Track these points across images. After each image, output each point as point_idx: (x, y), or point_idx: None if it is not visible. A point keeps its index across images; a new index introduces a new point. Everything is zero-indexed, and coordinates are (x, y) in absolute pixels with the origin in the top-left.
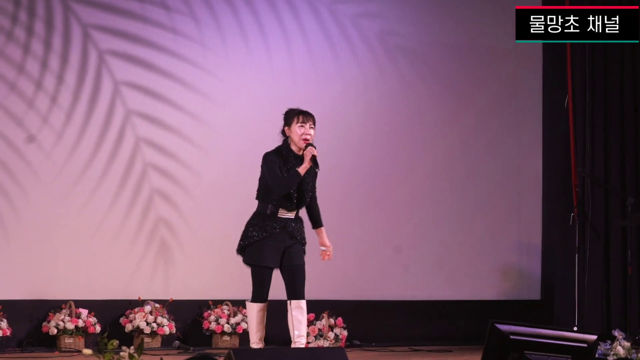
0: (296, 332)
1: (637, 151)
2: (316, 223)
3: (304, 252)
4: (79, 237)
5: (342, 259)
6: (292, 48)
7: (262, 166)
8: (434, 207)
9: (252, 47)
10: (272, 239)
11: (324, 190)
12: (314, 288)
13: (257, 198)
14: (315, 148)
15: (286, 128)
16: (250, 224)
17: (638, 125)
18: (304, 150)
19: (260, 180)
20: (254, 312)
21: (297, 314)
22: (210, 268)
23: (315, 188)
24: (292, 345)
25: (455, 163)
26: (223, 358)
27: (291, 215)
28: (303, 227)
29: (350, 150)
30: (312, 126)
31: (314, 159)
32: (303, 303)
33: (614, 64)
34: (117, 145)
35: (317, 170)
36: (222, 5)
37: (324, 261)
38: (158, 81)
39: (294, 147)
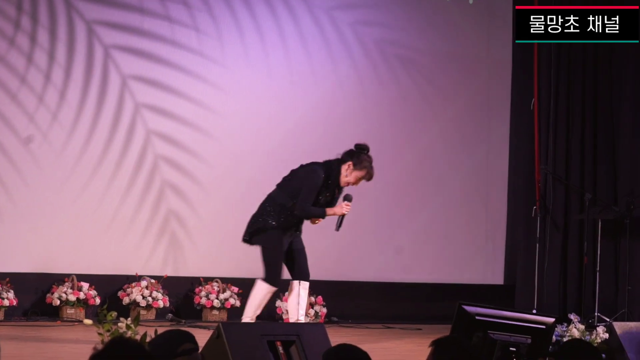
0: (301, 312)
1: (596, 151)
2: None
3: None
4: (83, 217)
5: (324, 243)
6: (303, 30)
7: (306, 178)
8: (410, 200)
9: (266, 34)
10: (286, 229)
11: None
12: None
13: (282, 186)
14: (349, 206)
15: (350, 163)
16: (268, 212)
17: (597, 127)
18: (343, 200)
19: (295, 180)
20: (263, 293)
21: (304, 294)
22: (202, 248)
23: None
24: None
25: (431, 160)
26: (213, 331)
27: None
28: None
29: (339, 147)
30: None
31: (341, 217)
32: (308, 284)
33: (577, 70)
34: (128, 138)
35: (337, 230)
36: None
37: (318, 245)
38: (165, 73)
39: (340, 177)
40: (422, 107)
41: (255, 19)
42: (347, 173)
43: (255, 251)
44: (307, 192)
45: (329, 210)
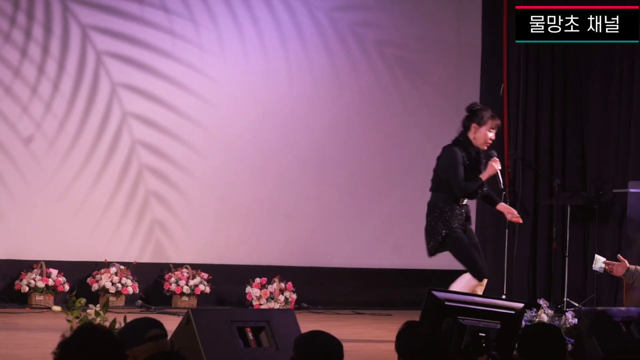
0: None
1: (565, 137)
2: (496, 201)
3: None
4: (53, 203)
5: (293, 229)
6: (289, 52)
7: (445, 161)
8: (380, 185)
9: (249, 51)
10: (460, 225)
11: (287, 171)
12: (267, 255)
13: (433, 189)
14: (496, 161)
15: (474, 125)
16: (442, 213)
17: (566, 113)
18: (488, 159)
19: (438, 172)
20: (470, 287)
21: (479, 292)
22: (172, 234)
23: None
24: None
25: (400, 144)
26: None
27: (466, 201)
28: None
29: (321, 142)
30: None
31: (496, 175)
32: (485, 282)
33: (547, 57)
34: (113, 147)
35: (502, 189)
36: (220, 8)
37: (287, 231)
38: (154, 83)
39: (474, 143)
40: (391, 93)
41: (257, 24)
42: (476, 135)
43: (225, 237)
44: (454, 172)
45: (483, 176)
